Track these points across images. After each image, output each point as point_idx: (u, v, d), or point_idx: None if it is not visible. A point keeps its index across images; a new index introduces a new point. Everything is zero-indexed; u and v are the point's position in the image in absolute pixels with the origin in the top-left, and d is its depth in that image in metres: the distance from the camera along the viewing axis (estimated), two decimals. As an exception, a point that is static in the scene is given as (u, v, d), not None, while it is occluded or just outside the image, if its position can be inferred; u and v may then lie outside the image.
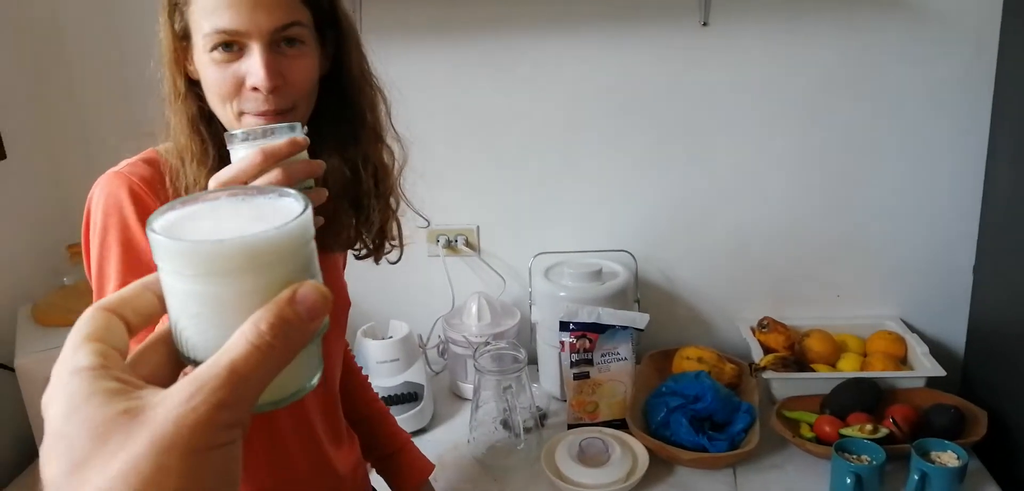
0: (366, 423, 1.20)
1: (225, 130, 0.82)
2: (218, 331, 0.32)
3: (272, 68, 0.80)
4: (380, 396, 1.29)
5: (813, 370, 1.55)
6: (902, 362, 1.56)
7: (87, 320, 0.33)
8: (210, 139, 0.86)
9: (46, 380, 0.32)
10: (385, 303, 1.73)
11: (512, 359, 1.41)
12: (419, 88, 1.65)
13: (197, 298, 0.33)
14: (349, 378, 1.20)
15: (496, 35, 1.63)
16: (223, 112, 0.84)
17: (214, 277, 0.32)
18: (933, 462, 1.21)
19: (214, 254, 0.32)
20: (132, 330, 0.34)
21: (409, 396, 1.51)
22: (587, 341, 1.44)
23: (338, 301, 1.08)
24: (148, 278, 0.35)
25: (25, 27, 1.66)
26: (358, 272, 1.11)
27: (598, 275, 1.57)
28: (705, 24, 1.57)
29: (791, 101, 1.60)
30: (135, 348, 0.34)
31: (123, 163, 0.87)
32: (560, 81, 1.65)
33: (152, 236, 0.33)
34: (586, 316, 1.43)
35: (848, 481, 1.19)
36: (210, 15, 0.80)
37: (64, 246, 1.63)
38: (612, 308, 1.47)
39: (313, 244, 0.35)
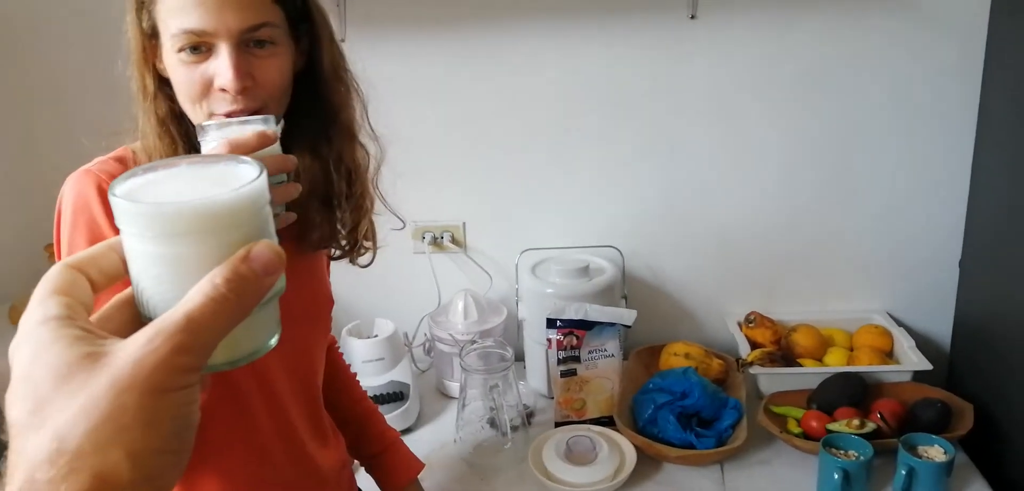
0: (354, 422, 1.19)
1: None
2: (178, 291, 0.33)
3: (240, 69, 0.79)
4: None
5: (800, 365, 1.54)
6: (889, 356, 1.57)
7: (54, 275, 0.35)
8: (180, 139, 0.85)
9: None
10: (370, 301, 1.71)
11: (499, 357, 1.40)
12: (404, 82, 1.63)
13: (158, 259, 0.34)
14: (337, 376, 1.19)
15: (483, 28, 1.61)
16: (193, 112, 0.83)
17: (174, 238, 0.34)
18: (920, 457, 1.21)
19: (174, 216, 0.33)
20: (96, 288, 0.36)
21: (395, 395, 1.50)
22: (574, 338, 1.43)
23: (320, 299, 1.06)
24: (113, 240, 0.37)
25: (2, 26, 1.63)
26: (342, 270, 1.09)
27: (585, 271, 1.56)
28: (693, 17, 1.56)
29: (778, 96, 1.60)
30: (99, 309, 0.36)
31: (94, 161, 0.86)
32: (547, 76, 1.63)
33: (114, 201, 0.34)
34: (573, 313, 1.42)
35: (836, 477, 1.19)
36: (177, 14, 0.78)
37: (42, 246, 1.61)
38: (599, 305, 1.46)
39: (269, 208, 0.37)
